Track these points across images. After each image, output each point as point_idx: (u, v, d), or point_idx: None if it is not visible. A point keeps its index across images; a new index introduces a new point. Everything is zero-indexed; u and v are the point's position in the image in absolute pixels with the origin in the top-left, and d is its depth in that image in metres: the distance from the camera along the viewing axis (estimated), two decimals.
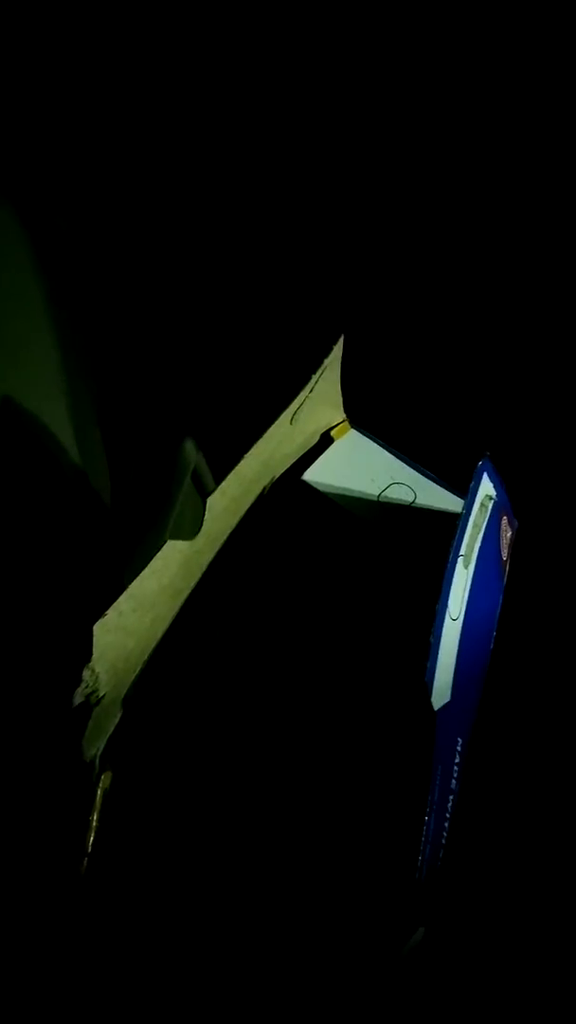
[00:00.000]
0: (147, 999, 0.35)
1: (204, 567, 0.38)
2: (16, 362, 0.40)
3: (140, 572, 0.32)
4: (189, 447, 0.42)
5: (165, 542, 0.33)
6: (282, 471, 0.41)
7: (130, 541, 0.40)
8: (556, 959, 0.38)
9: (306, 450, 0.43)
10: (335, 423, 0.44)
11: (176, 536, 0.34)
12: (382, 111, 0.54)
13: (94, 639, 0.31)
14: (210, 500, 0.35)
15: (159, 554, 0.33)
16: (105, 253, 0.49)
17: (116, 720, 0.36)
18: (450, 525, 0.38)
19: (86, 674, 0.31)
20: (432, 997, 0.36)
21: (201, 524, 0.35)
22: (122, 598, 0.32)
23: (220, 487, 0.36)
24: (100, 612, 0.31)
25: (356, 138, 0.54)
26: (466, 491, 0.39)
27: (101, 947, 0.35)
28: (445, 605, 0.35)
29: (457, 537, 0.36)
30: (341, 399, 0.43)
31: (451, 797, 0.35)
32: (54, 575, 0.38)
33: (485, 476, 0.39)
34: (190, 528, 0.36)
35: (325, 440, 0.43)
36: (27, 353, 0.41)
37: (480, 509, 0.39)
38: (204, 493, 0.39)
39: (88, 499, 0.41)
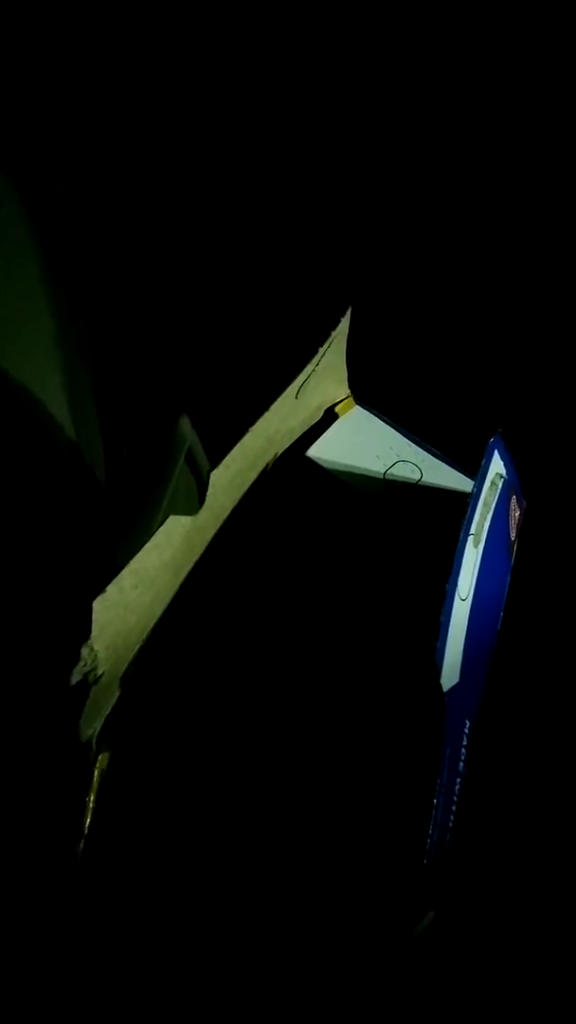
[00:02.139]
0: (147, 982, 0.34)
1: (207, 543, 0.37)
2: (12, 335, 0.39)
3: (134, 549, 0.31)
4: (185, 424, 0.41)
5: (161, 519, 0.32)
6: (286, 447, 0.40)
7: (124, 518, 0.39)
8: (565, 943, 0.37)
9: (310, 426, 0.42)
10: (339, 399, 0.43)
11: (170, 514, 0.33)
12: (393, 87, 0.53)
13: (94, 616, 0.29)
14: (214, 474, 0.34)
15: (161, 529, 0.32)
16: (105, 225, 0.47)
17: (114, 699, 0.35)
18: (456, 504, 0.37)
19: (85, 652, 0.30)
20: (442, 981, 0.36)
21: (196, 502, 0.34)
22: (124, 573, 0.30)
23: (224, 461, 0.35)
24: (94, 589, 0.30)
25: (366, 114, 0.53)
26: (472, 470, 0.38)
27: (99, 929, 0.34)
28: (455, 584, 0.34)
29: (468, 515, 0.36)
30: (346, 374, 0.42)
31: (459, 780, 0.35)
32: (48, 551, 0.37)
33: (496, 454, 0.38)
34: (184, 507, 0.35)
35: (329, 416, 0.42)
36: (23, 326, 0.40)
37: (490, 487, 0.38)
38: (198, 472, 0.38)
39: (82, 474, 0.40)
